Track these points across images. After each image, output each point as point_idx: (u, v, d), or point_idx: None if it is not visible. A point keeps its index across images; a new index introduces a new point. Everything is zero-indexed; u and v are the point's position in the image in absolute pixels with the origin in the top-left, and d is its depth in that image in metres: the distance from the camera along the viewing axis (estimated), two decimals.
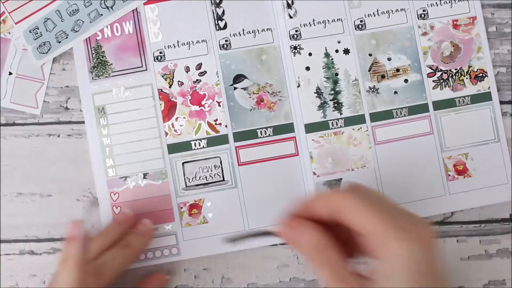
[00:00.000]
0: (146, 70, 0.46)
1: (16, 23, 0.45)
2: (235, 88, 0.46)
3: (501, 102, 0.47)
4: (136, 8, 0.46)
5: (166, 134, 0.45)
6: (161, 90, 0.46)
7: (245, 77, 0.46)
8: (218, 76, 0.46)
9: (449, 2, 0.47)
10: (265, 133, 0.46)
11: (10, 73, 0.46)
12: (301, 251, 0.33)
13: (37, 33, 0.45)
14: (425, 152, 0.46)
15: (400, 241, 0.30)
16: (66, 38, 0.46)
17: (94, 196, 0.38)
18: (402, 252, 0.30)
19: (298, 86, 0.45)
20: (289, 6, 0.46)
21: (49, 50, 0.46)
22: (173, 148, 0.45)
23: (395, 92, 0.46)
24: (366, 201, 0.31)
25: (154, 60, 0.46)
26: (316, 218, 0.33)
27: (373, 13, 0.46)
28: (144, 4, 0.46)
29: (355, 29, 0.46)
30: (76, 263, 0.36)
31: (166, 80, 0.46)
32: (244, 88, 0.46)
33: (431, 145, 0.46)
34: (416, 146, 0.46)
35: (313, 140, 0.46)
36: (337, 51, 0.46)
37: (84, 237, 0.36)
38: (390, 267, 0.30)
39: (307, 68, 0.46)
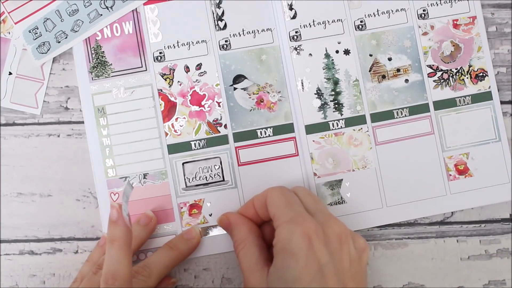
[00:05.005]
0: (146, 70, 0.46)
1: (15, 23, 0.45)
2: (235, 89, 0.46)
3: (501, 102, 0.47)
4: (136, 8, 0.46)
5: (166, 134, 0.45)
6: (161, 90, 0.46)
7: (245, 78, 0.46)
8: (218, 77, 0.46)
9: (449, 2, 0.47)
10: (265, 134, 0.46)
11: (10, 73, 0.46)
12: (231, 236, 0.42)
13: (36, 33, 0.45)
14: (426, 152, 0.46)
15: (286, 226, 0.36)
16: (66, 38, 0.46)
17: (129, 182, 0.39)
18: (284, 234, 0.36)
19: (302, 89, 0.45)
20: (289, 7, 0.46)
21: (48, 50, 0.45)
22: (173, 149, 0.45)
23: (396, 92, 0.46)
24: (278, 196, 0.39)
25: (154, 60, 0.46)
26: (257, 216, 0.41)
27: (373, 13, 0.46)
28: (144, 4, 0.46)
29: (355, 29, 0.46)
30: (123, 243, 0.36)
31: (166, 80, 0.46)
32: (244, 89, 0.46)
33: (432, 145, 0.46)
34: (417, 146, 0.46)
35: (313, 141, 0.45)
36: (337, 51, 0.46)
37: (126, 219, 0.37)
38: (276, 247, 0.37)
39: (307, 69, 0.46)
